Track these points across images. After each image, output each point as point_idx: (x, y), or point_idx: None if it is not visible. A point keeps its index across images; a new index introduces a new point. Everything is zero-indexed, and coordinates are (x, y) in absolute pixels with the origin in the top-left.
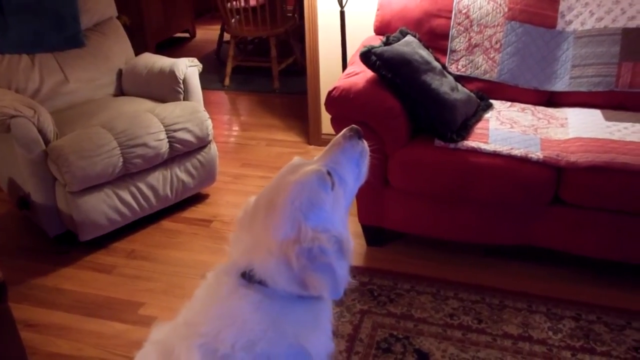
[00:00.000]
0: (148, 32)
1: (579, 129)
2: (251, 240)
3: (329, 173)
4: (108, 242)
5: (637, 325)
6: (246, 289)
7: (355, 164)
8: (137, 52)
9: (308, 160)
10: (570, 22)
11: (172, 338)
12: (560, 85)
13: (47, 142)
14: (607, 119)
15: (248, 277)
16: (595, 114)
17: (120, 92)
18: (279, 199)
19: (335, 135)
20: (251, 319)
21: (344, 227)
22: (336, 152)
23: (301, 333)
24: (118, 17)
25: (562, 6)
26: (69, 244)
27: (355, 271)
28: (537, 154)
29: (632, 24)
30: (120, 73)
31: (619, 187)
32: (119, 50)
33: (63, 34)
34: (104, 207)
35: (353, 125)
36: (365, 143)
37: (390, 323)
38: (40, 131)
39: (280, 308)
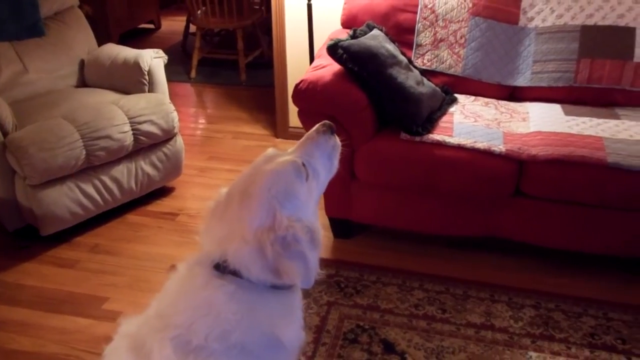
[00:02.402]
0: (111, 22)
1: (540, 123)
2: (224, 230)
3: (303, 165)
4: (71, 237)
5: (593, 312)
6: (220, 280)
7: (327, 157)
8: (100, 44)
9: (282, 151)
10: (532, 18)
11: (143, 331)
12: (522, 80)
13: (5, 133)
14: (567, 113)
15: (222, 268)
16: (556, 109)
17: (82, 83)
18: (254, 187)
19: (302, 128)
20: (225, 309)
21: (315, 218)
22: (310, 145)
23: (275, 323)
24: (80, 7)
25: (525, 3)
26: (30, 238)
27: (322, 263)
28: (499, 147)
29: (590, 22)
30: (82, 64)
31: (576, 180)
32: (81, 40)
33: (22, 23)
34: (66, 200)
35: (326, 120)
36: (338, 138)
37: (356, 314)
38: None
39: (254, 298)
